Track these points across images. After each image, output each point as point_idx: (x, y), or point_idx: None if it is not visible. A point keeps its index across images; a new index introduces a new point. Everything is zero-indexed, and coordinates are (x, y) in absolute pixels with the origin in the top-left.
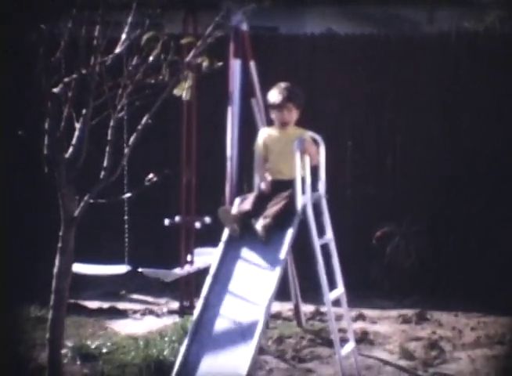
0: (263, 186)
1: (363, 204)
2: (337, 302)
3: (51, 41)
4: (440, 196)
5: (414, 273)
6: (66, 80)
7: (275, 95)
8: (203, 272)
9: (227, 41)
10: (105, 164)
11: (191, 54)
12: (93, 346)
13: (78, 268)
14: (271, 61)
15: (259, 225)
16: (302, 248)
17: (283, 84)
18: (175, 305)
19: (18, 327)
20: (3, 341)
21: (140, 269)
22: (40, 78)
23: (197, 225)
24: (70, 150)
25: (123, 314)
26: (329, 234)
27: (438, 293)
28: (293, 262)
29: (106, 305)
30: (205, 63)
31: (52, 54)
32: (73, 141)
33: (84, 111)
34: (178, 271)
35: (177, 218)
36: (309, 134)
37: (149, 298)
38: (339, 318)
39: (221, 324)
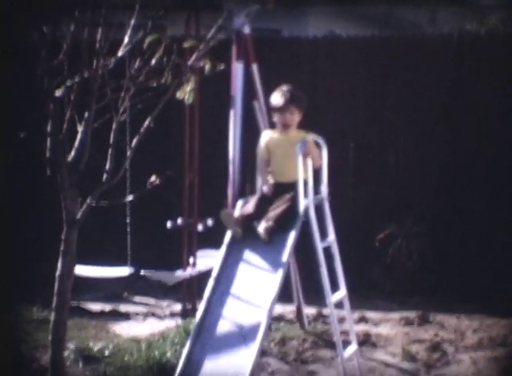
0: (265, 188)
1: (365, 206)
2: (339, 304)
3: (53, 44)
4: (442, 197)
5: (416, 275)
6: (68, 83)
7: (277, 98)
8: (205, 275)
9: (229, 44)
10: (107, 166)
11: (193, 57)
12: (95, 348)
13: (81, 270)
14: (273, 64)
15: (261, 227)
16: (304, 250)
17: (285, 87)
18: (178, 307)
19: (20, 329)
20: (6, 342)
21: (142, 272)
22: (42, 81)
23: (199, 227)
24: (73, 152)
25: (125, 316)
26: (332, 236)
27: (440, 295)
28: (295, 264)
29: (108, 307)
30: (207, 66)
31: (55, 57)
32: (76, 144)
33: (86, 114)
34: (180, 273)
35: (179, 221)
36: (311, 136)
37: (152, 301)
38: (341, 320)
39: (223, 326)
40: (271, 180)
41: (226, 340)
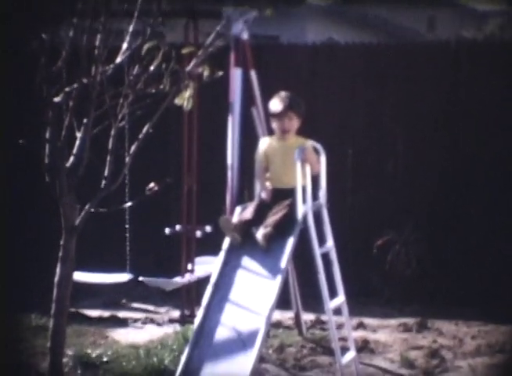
0: (263, 194)
1: (364, 213)
2: (337, 311)
3: (52, 50)
4: (440, 204)
5: (415, 281)
6: (67, 89)
7: (276, 104)
8: (204, 281)
9: (228, 50)
10: (106, 173)
11: (192, 63)
12: (94, 355)
13: (79, 276)
14: (272, 70)
15: (260, 234)
16: (303, 257)
17: (283, 93)
18: (176, 313)
19: (19, 336)
20: (4, 349)
21: (141, 278)
22: (41, 87)
23: (198, 234)
24: (71, 158)
25: (124, 323)
26: (330, 243)
27: (439, 301)
28: (293, 271)
29: (106, 313)
30: (206, 73)
31: (54, 63)
32: (74, 150)
33: (85, 120)
34: (178, 280)
35: (178, 227)
36: (310, 143)
37: (150, 307)
38: (339, 326)
39: (222, 333)
40: (269, 186)
41: (225, 346)
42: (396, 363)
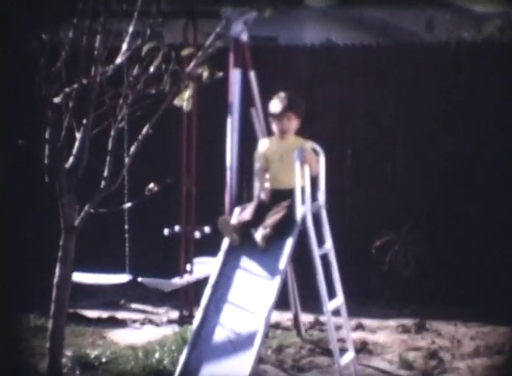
0: (262, 195)
1: (363, 213)
2: (336, 312)
3: (52, 51)
4: (439, 204)
5: (413, 282)
6: (66, 89)
7: (275, 105)
8: (202, 282)
9: (227, 51)
10: (105, 173)
11: (191, 64)
12: (92, 356)
13: (78, 277)
14: (271, 71)
15: (259, 235)
16: (302, 258)
17: (283, 94)
18: (175, 314)
19: (18, 336)
20: (3, 349)
21: (140, 279)
22: (41, 88)
23: (197, 234)
24: (71, 159)
25: (122, 324)
26: (329, 244)
27: (437, 302)
28: (292, 272)
29: (105, 314)
30: (205, 73)
31: (53, 64)
32: (74, 151)
33: (84, 121)
34: (177, 281)
35: (177, 228)
36: (309, 144)
37: (149, 308)
38: (338, 328)
39: (220, 334)
40: (268, 187)
41: (223, 347)
42: (395, 364)
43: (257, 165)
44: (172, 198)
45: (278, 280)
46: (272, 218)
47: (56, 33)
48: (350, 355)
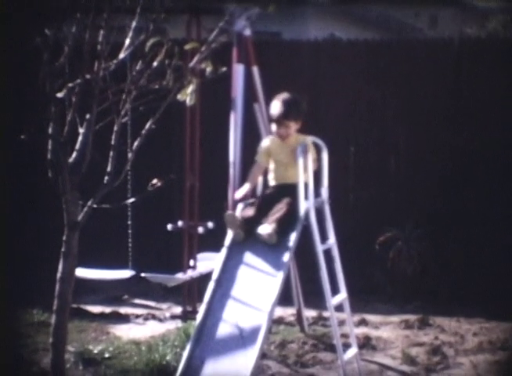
0: (240, 193)
1: (366, 209)
2: (339, 307)
3: (55, 46)
4: (442, 201)
5: (416, 278)
6: (70, 85)
7: (275, 108)
8: (205, 277)
9: (230, 47)
10: (108, 169)
11: (195, 59)
12: (96, 351)
13: (81, 272)
14: (274, 66)
15: (264, 230)
16: (305, 253)
17: (284, 97)
18: (178, 309)
19: (21, 332)
20: (6, 345)
21: (143, 274)
22: (44, 83)
23: (200, 230)
24: (74, 154)
25: (125, 319)
26: (332, 239)
27: (441, 298)
28: (295, 267)
29: (108, 309)
30: (209, 69)
31: (57, 59)
32: (77, 146)
33: (88, 116)
34: (180, 276)
35: (180, 224)
36: (310, 139)
37: (152, 303)
38: (341, 323)
39: (223, 329)
40: (272, 182)
41: (227, 343)
42: (398, 359)
43: (257, 163)
44: (176, 193)
45: (281, 275)
46: (276, 214)
47: (60, 28)
48: (353, 350)
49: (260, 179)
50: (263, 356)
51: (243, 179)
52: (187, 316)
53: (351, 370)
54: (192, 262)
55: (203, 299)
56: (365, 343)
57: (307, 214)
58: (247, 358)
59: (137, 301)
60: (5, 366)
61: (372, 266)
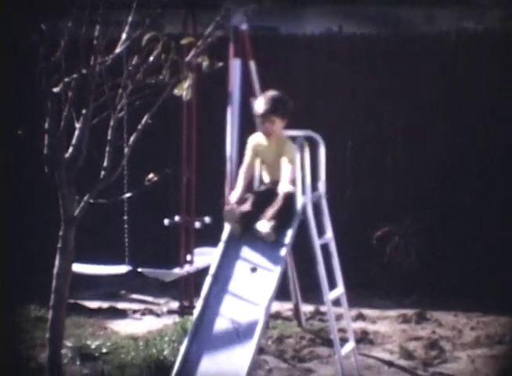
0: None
1: (363, 204)
2: (336, 302)
3: (51, 41)
4: (440, 196)
5: (414, 273)
6: (66, 80)
7: (260, 105)
8: (202, 272)
9: (227, 41)
10: (105, 164)
11: (191, 54)
12: (93, 346)
13: (78, 268)
14: (271, 61)
15: (262, 228)
16: (302, 248)
17: (269, 94)
18: (175, 304)
19: (18, 327)
20: (3, 340)
21: (140, 269)
22: (40, 78)
23: (197, 225)
24: (70, 149)
25: (123, 314)
26: (329, 234)
27: (438, 292)
28: (293, 262)
29: (105, 305)
30: (205, 63)
31: (53, 54)
32: (74, 141)
33: (84, 111)
34: (177, 271)
35: (177, 218)
36: (302, 136)
37: (149, 298)
38: (339, 318)
39: (221, 324)
40: (267, 179)
41: (224, 337)
42: (395, 354)
43: (245, 162)
44: (172, 188)
45: (278, 270)
46: (273, 209)
47: (56, 23)
48: (350, 345)
49: (257, 173)
50: (260, 350)
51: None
52: (184, 311)
53: (349, 365)
54: (189, 257)
55: (200, 294)
56: (363, 338)
57: (304, 208)
58: (244, 353)
59: (134, 296)
60: (2, 363)
61: (369, 261)
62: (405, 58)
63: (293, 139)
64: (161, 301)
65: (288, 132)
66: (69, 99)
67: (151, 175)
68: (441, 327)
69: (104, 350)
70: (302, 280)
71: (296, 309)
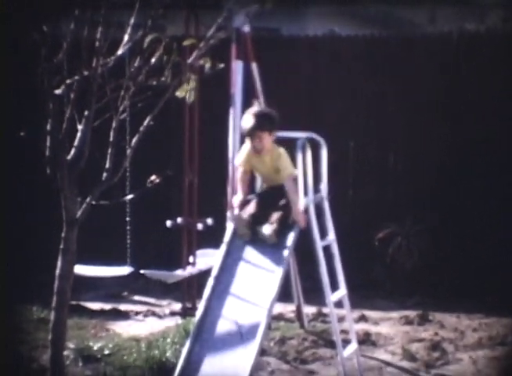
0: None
1: (365, 205)
2: (339, 303)
3: (53, 43)
4: (442, 196)
5: (416, 274)
6: (68, 81)
7: (246, 122)
8: (205, 274)
9: (229, 43)
10: (107, 165)
11: (193, 56)
12: (95, 348)
13: (80, 269)
14: (273, 62)
15: (267, 229)
16: (304, 249)
17: (253, 111)
18: (177, 306)
19: (20, 328)
20: (5, 342)
21: (142, 271)
22: (42, 80)
23: (199, 226)
24: (73, 151)
25: (125, 316)
26: (332, 235)
27: (440, 294)
28: (295, 264)
29: (108, 306)
30: (207, 65)
31: (55, 55)
32: (76, 142)
33: (86, 113)
34: (180, 272)
35: (179, 220)
36: (282, 150)
37: (152, 300)
38: (341, 319)
39: (223, 326)
40: (264, 184)
41: (226, 339)
42: (398, 355)
43: (240, 169)
44: (174, 190)
45: (281, 271)
46: (276, 213)
47: (58, 24)
48: (353, 346)
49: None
50: (262, 352)
51: None
52: (186, 313)
53: (351, 366)
54: (191, 259)
55: (202, 296)
56: (365, 339)
57: (306, 210)
58: (247, 354)
59: (136, 297)
60: (4, 364)
61: (371, 262)
62: (407, 59)
63: (295, 140)
64: (164, 302)
65: (290, 134)
66: (71, 100)
67: (153, 177)
68: (443, 329)
69: (106, 352)
70: (304, 282)
71: (298, 311)
